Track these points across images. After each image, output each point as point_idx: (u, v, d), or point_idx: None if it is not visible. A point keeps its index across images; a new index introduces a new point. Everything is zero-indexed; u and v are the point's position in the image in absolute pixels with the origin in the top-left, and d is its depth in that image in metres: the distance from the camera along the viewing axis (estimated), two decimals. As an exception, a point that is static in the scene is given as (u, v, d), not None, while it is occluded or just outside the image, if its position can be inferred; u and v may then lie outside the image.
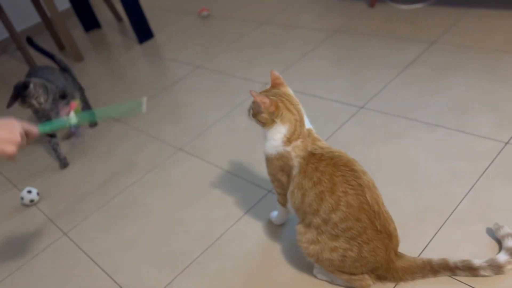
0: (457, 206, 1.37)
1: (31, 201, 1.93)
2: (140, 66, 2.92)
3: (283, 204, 1.32)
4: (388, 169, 1.57)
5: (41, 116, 2.05)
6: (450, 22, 2.30)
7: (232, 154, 1.89)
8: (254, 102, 1.18)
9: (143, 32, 3.17)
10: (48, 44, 3.70)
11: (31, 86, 1.93)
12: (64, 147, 2.28)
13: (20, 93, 1.93)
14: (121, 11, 3.82)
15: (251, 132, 1.97)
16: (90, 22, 3.70)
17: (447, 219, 1.34)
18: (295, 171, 1.14)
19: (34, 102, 1.95)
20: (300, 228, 1.19)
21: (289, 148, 1.15)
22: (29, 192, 1.94)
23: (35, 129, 1.16)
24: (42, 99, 1.96)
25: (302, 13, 2.89)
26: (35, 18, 3.95)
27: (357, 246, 1.08)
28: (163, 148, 2.06)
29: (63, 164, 2.13)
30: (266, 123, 1.17)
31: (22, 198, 1.92)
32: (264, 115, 1.16)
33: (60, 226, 1.79)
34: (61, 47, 3.53)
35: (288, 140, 1.15)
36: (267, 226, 1.51)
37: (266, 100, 1.14)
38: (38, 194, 1.95)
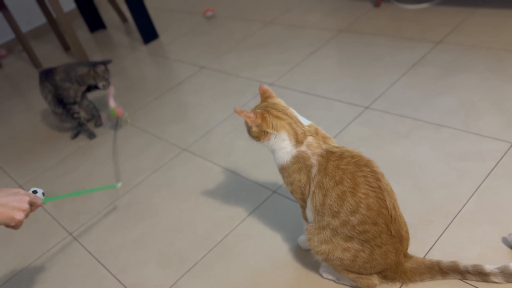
0: (463, 206, 1.36)
1: (37, 201, 1.93)
2: (145, 66, 2.92)
3: (306, 219, 1.25)
4: (394, 169, 1.56)
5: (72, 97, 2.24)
6: (456, 21, 2.29)
7: (237, 154, 1.89)
8: (245, 122, 1.19)
9: (148, 32, 3.18)
10: (53, 44, 3.72)
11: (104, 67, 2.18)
12: (71, 146, 2.29)
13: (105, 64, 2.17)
14: (126, 12, 3.83)
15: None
16: (95, 23, 3.72)
17: (453, 219, 1.33)
18: (314, 171, 1.12)
19: (103, 79, 2.17)
20: (311, 229, 1.16)
21: (303, 148, 1.13)
22: (35, 192, 1.93)
23: (39, 200, 1.24)
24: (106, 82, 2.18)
25: (308, 13, 2.88)
26: (41, 19, 3.97)
27: (370, 248, 1.08)
28: (168, 148, 2.06)
29: (92, 135, 2.32)
30: (259, 137, 1.16)
31: (28, 198, 1.93)
32: (254, 129, 1.15)
33: (65, 227, 1.80)
34: (66, 47, 3.54)
35: (298, 141, 1.14)
36: (272, 226, 1.51)
37: (251, 115, 1.13)
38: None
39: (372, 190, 1.05)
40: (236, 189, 1.71)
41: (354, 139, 1.76)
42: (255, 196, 1.65)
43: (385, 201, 1.05)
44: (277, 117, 1.15)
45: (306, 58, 2.41)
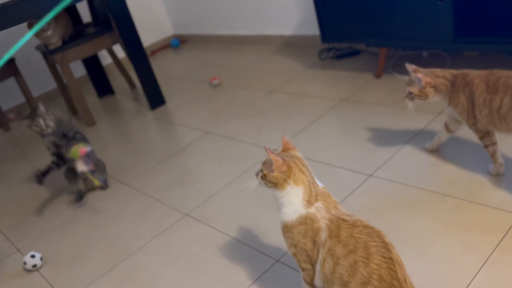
0: (472, 280, 1.32)
1: (34, 266, 1.89)
2: (150, 131, 2.97)
3: (311, 283, 1.20)
4: (399, 239, 1.53)
5: (54, 149, 2.25)
6: (456, 93, 2.35)
7: (240, 220, 1.86)
8: (264, 163, 1.17)
9: (155, 98, 3.27)
10: (62, 108, 3.81)
11: (42, 107, 2.22)
12: (69, 211, 2.27)
13: (33, 112, 2.21)
14: (135, 79, 3.95)
15: (259, 199, 1.95)
16: (104, 88, 3.83)
17: (463, 293, 1.29)
18: (323, 235, 1.09)
19: (41, 122, 2.19)
20: None
21: (312, 210, 1.12)
22: (33, 256, 1.90)
23: None
24: (50, 123, 2.20)
25: (310, 83, 2.97)
26: (52, 84, 4.10)
27: None
28: (170, 213, 2.04)
29: (79, 197, 2.31)
30: (277, 183, 1.14)
31: (24, 263, 1.89)
32: (275, 174, 1.14)
33: (61, 293, 1.74)
34: (74, 112, 3.63)
35: (309, 202, 1.12)
36: (275, 297, 1.46)
37: (279, 159, 1.13)
38: (41, 259, 1.92)
39: (384, 261, 1.02)
40: (238, 257, 1.67)
41: (358, 207, 1.74)
42: (258, 265, 1.60)
43: (397, 273, 1.02)
44: (301, 171, 1.15)
45: (308, 125, 2.45)
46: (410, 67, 1.72)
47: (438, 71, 1.71)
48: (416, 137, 2.08)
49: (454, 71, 1.70)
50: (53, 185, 2.59)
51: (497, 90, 1.53)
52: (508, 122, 1.53)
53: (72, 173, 2.28)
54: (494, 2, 2.37)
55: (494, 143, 1.67)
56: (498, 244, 1.42)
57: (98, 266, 1.83)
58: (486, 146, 1.68)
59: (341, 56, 3.19)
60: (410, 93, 1.73)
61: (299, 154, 1.22)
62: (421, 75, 1.67)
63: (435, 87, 1.69)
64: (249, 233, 1.78)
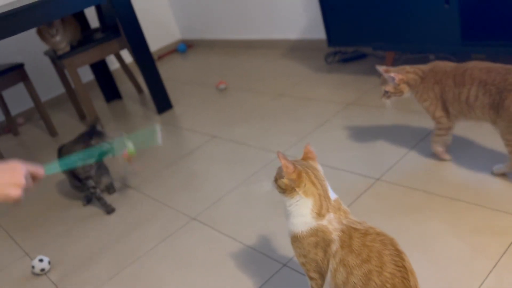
0: (481, 284, 1.31)
1: (42, 270, 1.90)
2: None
3: None
4: (407, 243, 1.52)
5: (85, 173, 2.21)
6: (463, 96, 2.33)
7: (246, 224, 1.86)
8: (280, 167, 1.16)
9: (163, 103, 3.28)
10: (70, 113, 3.84)
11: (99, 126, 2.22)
12: (77, 215, 2.29)
13: (95, 131, 2.18)
14: (142, 83, 3.97)
15: (266, 203, 1.95)
16: (111, 93, 3.85)
17: (472, 298, 1.28)
18: (334, 246, 1.08)
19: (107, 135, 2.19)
20: None
21: (324, 222, 1.10)
22: (41, 260, 1.91)
23: (40, 170, 1.15)
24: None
25: (317, 87, 2.97)
26: (60, 89, 4.13)
27: None
28: (177, 217, 2.04)
29: (110, 209, 2.23)
30: (285, 190, 1.13)
31: (33, 267, 1.90)
32: (284, 181, 1.13)
33: (69, 297, 1.75)
34: (82, 116, 3.65)
35: (319, 214, 1.11)
36: (282, 301, 1.45)
37: (290, 166, 1.12)
38: (49, 263, 1.93)
39: (398, 270, 1.02)
40: (245, 261, 1.67)
41: (366, 211, 1.74)
42: (264, 269, 1.60)
43: (409, 281, 1.02)
44: (312, 183, 1.13)
45: (315, 129, 2.45)
46: (380, 68, 1.84)
47: (408, 67, 1.83)
48: (423, 141, 2.07)
49: (423, 67, 1.81)
50: (60, 189, 2.61)
51: (464, 82, 1.65)
52: (475, 110, 1.65)
53: (77, 181, 2.29)
54: (501, 5, 2.36)
55: (446, 135, 1.83)
56: (508, 247, 1.40)
57: (106, 270, 1.84)
58: (439, 135, 1.83)
59: (347, 59, 3.19)
60: (386, 92, 1.84)
61: (317, 166, 1.19)
62: (393, 74, 1.79)
63: (407, 83, 1.80)
64: (256, 237, 1.77)
